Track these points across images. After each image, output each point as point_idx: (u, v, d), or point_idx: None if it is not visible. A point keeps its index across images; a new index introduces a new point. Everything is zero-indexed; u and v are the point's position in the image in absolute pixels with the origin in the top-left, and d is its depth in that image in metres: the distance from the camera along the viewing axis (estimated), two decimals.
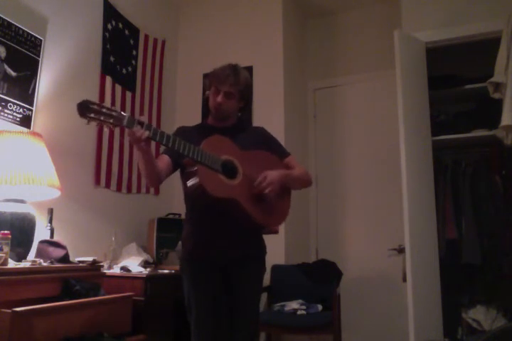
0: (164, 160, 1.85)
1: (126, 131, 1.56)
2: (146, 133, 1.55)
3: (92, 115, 1.45)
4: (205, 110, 2.01)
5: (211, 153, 1.70)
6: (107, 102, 2.89)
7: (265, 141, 2.00)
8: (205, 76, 2.08)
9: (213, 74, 1.93)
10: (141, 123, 1.55)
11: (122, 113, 1.52)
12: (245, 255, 1.88)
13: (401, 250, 2.84)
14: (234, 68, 1.91)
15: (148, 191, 3.35)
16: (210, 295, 1.84)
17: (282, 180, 1.85)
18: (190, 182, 1.72)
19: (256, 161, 1.84)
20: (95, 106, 1.46)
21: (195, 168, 1.67)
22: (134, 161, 3.14)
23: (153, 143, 3.42)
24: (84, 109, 1.45)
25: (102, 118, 1.47)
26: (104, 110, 1.48)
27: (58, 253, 2.13)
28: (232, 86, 1.87)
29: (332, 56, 3.96)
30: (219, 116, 1.95)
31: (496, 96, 2.66)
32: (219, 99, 1.87)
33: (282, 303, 2.97)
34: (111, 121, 1.49)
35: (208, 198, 1.66)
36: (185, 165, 1.78)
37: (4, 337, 1.61)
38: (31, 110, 2.42)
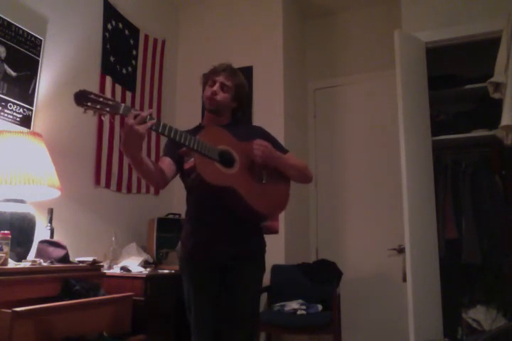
0: (166, 162, 1.84)
1: (129, 116, 1.50)
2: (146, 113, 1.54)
3: (89, 104, 1.45)
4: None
5: (208, 143, 1.69)
6: None
7: (263, 138, 1.99)
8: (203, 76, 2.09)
9: (210, 70, 1.99)
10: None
11: (119, 102, 1.52)
12: (246, 254, 1.87)
13: (401, 250, 2.84)
14: (231, 66, 1.99)
15: (148, 191, 3.35)
16: (210, 294, 1.84)
17: (276, 156, 1.85)
18: (188, 169, 1.72)
19: (253, 151, 1.81)
20: (92, 96, 1.46)
21: (192, 159, 1.66)
22: None
23: (153, 145, 3.43)
24: (82, 98, 1.44)
25: (98, 106, 1.46)
26: (101, 99, 1.47)
27: (58, 253, 2.13)
28: (228, 78, 1.93)
29: (332, 56, 3.96)
30: (211, 106, 1.94)
31: (496, 96, 2.67)
32: (215, 87, 1.91)
33: (282, 303, 2.97)
34: (108, 109, 1.48)
35: (207, 190, 1.66)
36: (181, 155, 1.75)
37: (4, 337, 1.60)
38: (31, 110, 2.41)
